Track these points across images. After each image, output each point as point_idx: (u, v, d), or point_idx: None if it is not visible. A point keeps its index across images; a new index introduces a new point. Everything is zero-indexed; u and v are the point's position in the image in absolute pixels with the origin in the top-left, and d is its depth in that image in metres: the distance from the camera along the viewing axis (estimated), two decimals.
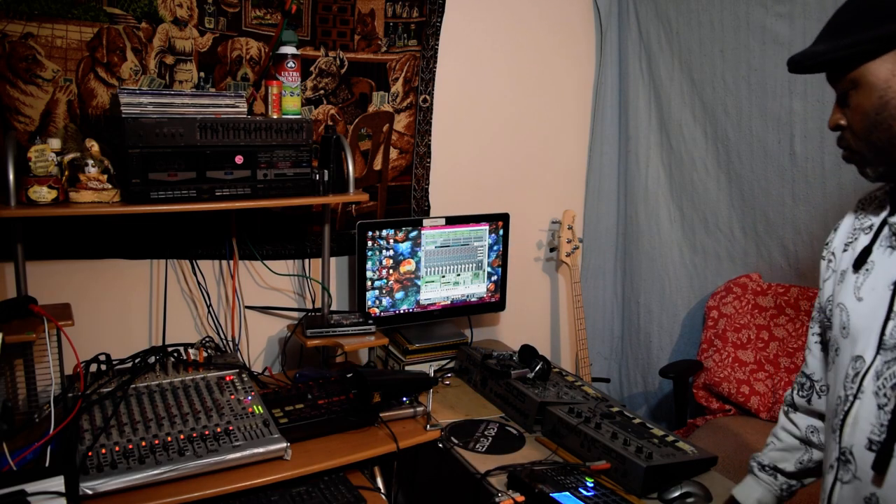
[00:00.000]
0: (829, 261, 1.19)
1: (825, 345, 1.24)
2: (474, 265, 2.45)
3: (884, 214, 1.09)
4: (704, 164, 2.51)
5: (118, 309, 2.03)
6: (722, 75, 2.38)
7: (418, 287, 2.35)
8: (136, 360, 1.85)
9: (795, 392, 1.33)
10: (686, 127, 2.55)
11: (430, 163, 2.48)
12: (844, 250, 1.15)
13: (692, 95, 2.50)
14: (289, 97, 1.96)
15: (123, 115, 1.64)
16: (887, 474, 0.94)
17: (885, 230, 1.07)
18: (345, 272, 2.41)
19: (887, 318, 1.00)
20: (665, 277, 2.72)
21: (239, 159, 1.78)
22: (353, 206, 2.34)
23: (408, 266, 2.32)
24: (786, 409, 1.37)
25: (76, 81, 1.84)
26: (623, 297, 2.94)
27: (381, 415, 1.85)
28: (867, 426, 1.00)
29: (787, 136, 2.24)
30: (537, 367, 2.08)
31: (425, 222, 2.32)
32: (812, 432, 1.30)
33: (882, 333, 1.00)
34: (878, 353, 1.01)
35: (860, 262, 1.08)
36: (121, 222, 1.97)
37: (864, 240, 1.11)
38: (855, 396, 1.03)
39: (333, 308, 2.35)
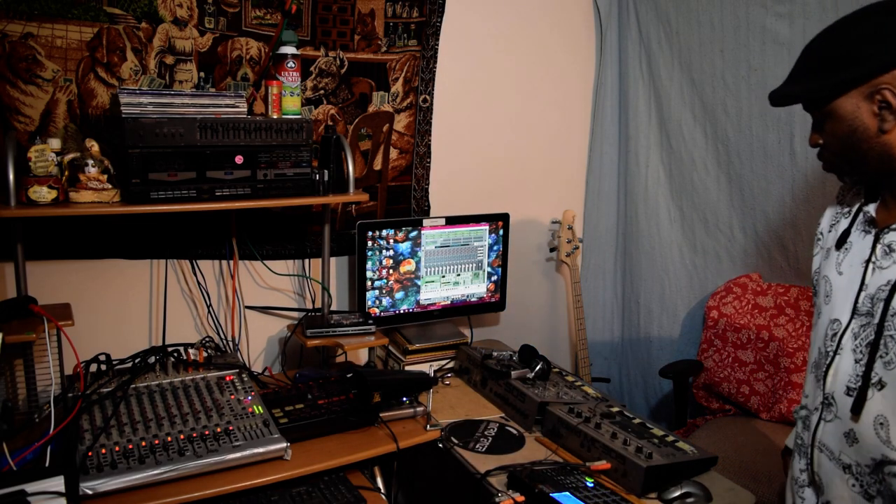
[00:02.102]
0: (818, 239, 1.41)
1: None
2: (474, 265, 2.45)
3: (860, 202, 1.30)
4: (704, 164, 2.51)
5: (118, 309, 2.03)
6: (722, 75, 2.38)
7: (418, 287, 2.35)
8: (136, 360, 1.85)
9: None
10: (686, 127, 2.55)
11: (430, 163, 2.48)
12: (829, 230, 1.38)
13: (692, 95, 2.50)
14: (289, 97, 1.96)
15: (123, 115, 1.64)
16: (862, 414, 1.17)
17: (861, 216, 1.29)
18: (345, 272, 2.41)
19: (860, 290, 1.22)
20: (665, 277, 2.72)
21: (239, 159, 1.78)
22: (353, 206, 2.34)
23: (408, 266, 2.32)
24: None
25: (76, 81, 1.84)
26: (623, 297, 2.94)
27: (381, 415, 1.85)
28: (845, 376, 1.22)
29: (787, 136, 2.24)
30: (537, 367, 2.08)
31: (425, 222, 2.32)
32: None
33: (856, 302, 1.22)
34: (852, 317, 1.23)
35: (841, 242, 1.31)
36: (121, 222, 1.97)
37: (844, 223, 1.33)
38: (835, 352, 1.25)
39: (333, 308, 2.35)
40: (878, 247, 1.22)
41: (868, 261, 1.22)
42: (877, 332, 1.16)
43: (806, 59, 1.23)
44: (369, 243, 2.21)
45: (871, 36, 1.14)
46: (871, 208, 1.26)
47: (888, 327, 1.15)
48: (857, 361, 1.20)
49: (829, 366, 1.25)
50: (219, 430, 1.63)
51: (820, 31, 1.24)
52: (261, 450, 1.60)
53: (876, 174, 1.22)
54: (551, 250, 2.80)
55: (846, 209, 1.35)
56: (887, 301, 1.15)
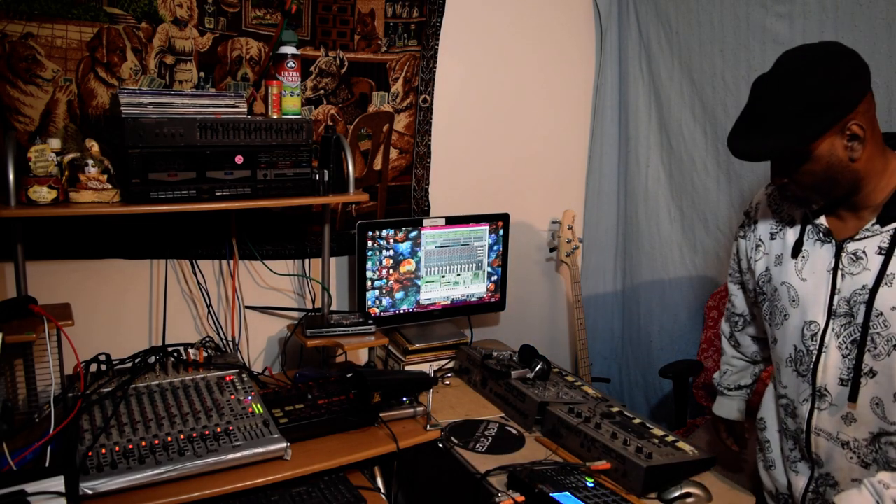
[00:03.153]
0: (758, 245, 1.56)
1: (744, 290, 1.72)
2: (474, 265, 2.45)
3: (801, 212, 1.47)
4: (704, 164, 2.51)
5: (118, 309, 2.03)
6: (722, 75, 2.38)
7: (418, 287, 2.35)
8: (136, 360, 1.85)
9: (734, 329, 1.79)
10: (686, 127, 2.55)
11: (430, 163, 2.48)
12: (772, 238, 1.53)
13: (692, 95, 2.50)
14: (289, 97, 1.96)
15: (123, 115, 1.64)
16: (858, 399, 1.36)
17: (812, 228, 1.44)
18: (345, 272, 2.41)
19: (832, 294, 1.39)
20: (665, 277, 2.72)
21: (239, 159, 1.78)
22: (353, 206, 2.34)
23: (408, 266, 2.32)
24: (731, 343, 1.81)
25: (76, 81, 1.84)
26: (623, 297, 2.93)
27: (381, 415, 1.85)
28: (836, 370, 1.40)
29: None
30: (537, 367, 2.08)
31: (425, 222, 2.32)
32: (755, 353, 1.78)
33: (830, 305, 1.40)
34: (829, 318, 1.40)
35: (796, 251, 1.46)
36: (121, 222, 1.97)
37: (791, 233, 1.49)
38: (820, 350, 1.42)
39: (333, 308, 2.35)
40: (844, 256, 1.38)
41: (835, 268, 1.39)
42: (862, 331, 1.34)
43: (768, 113, 1.33)
44: (369, 243, 2.21)
45: (834, 80, 1.27)
46: (823, 220, 1.42)
47: (873, 326, 1.33)
48: (844, 356, 1.39)
49: (816, 363, 1.43)
50: (219, 430, 1.63)
51: (767, 87, 1.35)
52: (261, 450, 1.60)
53: (843, 196, 1.36)
54: (551, 250, 2.80)
55: (787, 218, 1.51)
56: (869, 304, 1.33)
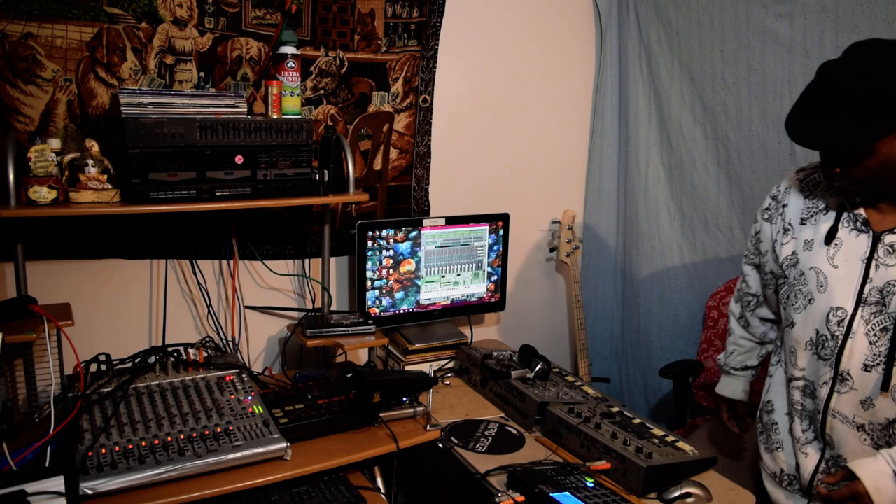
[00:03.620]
0: (787, 229, 1.58)
1: (759, 272, 1.74)
2: (474, 265, 2.45)
3: (836, 200, 1.50)
4: (704, 164, 2.51)
5: (118, 309, 2.03)
6: (722, 75, 2.38)
7: (418, 287, 2.35)
8: (136, 360, 1.85)
9: (746, 308, 1.82)
10: (686, 127, 2.55)
11: (430, 163, 2.48)
12: (802, 223, 1.56)
13: (692, 95, 2.50)
14: (289, 97, 1.95)
15: (123, 115, 1.64)
16: (890, 388, 1.40)
17: (849, 216, 1.47)
18: (345, 272, 2.41)
19: (864, 282, 1.43)
20: (665, 277, 2.72)
21: (239, 159, 1.78)
22: (353, 206, 2.34)
23: (408, 266, 2.32)
24: (741, 323, 1.84)
25: (76, 81, 1.84)
26: (623, 297, 2.93)
27: (381, 415, 1.85)
28: (861, 356, 1.43)
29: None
30: (537, 367, 2.08)
31: (425, 222, 2.32)
32: (763, 335, 1.82)
33: (861, 292, 1.43)
34: (857, 305, 1.43)
35: (830, 238, 1.49)
36: (121, 222, 1.97)
37: (824, 219, 1.52)
38: (846, 336, 1.45)
39: (333, 308, 2.35)
40: (880, 247, 1.42)
41: (870, 258, 1.42)
42: (895, 321, 1.38)
43: (836, 103, 1.32)
44: (369, 243, 2.21)
45: None
46: (862, 211, 1.45)
47: None
48: (871, 343, 1.42)
49: (842, 348, 1.45)
50: (219, 430, 1.63)
51: (837, 76, 1.33)
52: (261, 450, 1.60)
53: (888, 193, 1.40)
54: (551, 250, 2.80)
55: (820, 205, 1.54)
56: None
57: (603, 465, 1.66)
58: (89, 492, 1.40)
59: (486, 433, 1.89)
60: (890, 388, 1.41)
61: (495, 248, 2.47)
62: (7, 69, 1.76)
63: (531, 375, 2.08)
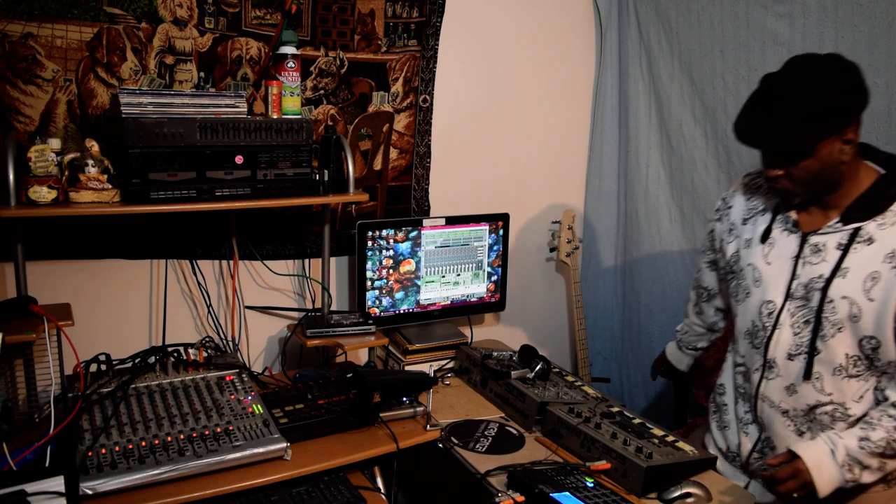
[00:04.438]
0: (731, 229, 1.74)
1: (714, 267, 1.90)
2: (474, 265, 2.45)
3: (773, 203, 1.65)
4: (705, 164, 2.51)
5: (118, 309, 2.03)
6: (722, 75, 2.38)
7: (418, 287, 2.35)
8: (136, 360, 1.85)
9: (700, 299, 2.00)
10: (686, 127, 2.55)
11: (430, 163, 2.48)
12: (744, 223, 1.71)
13: (692, 95, 2.50)
14: (289, 97, 1.95)
15: (123, 115, 1.64)
16: (810, 376, 1.56)
17: (781, 218, 1.62)
18: (345, 272, 2.41)
19: (792, 278, 1.58)
20: (665, 277, 2.71)
21: (239, 159, 1.78)
22: (353, 206, 2.34)
23: (408, 266, 2.32)
24: (695, 311, 2.04)
25: (76, 81, 1.84)
26: (623, 297, 2.93)
27: (381, 415, 1.85)
28: (786, 346, 1.60)
29: None
30: (537, 367, 2.08)
31: (425, 222, 2.32)
32: (714, 324, 2.00)
33: (789, 288, 1.59)
34: (786, 299, 1.59)
35: (765, 237, 1.64)
36: (121, 222, 1.97)
37: (762, 220, 1.67)
38: (774, 326, 1.61)
39: (333, 308, 2.35)
40: (806, 246, 1.57)
41: (797, 256, 1.58)
42: (816, 316, 1.53)
43: (782, 108, 1.46)
44: (369, 243, 2.21)
45: (846, 90, 1.43)
46: (793, 213, 1.59)
47: (824, 311, 1.52)
48: (795, 334, 1.58)
49: (770, 337, 1.62)
50: (219, 430, 1.63)
51: (781, 84, 1.48)
52: (261, 450, 1.60)
53: (822, 194, 1.52)
54: (551, 250, 2.80)
55: (759, 206, 1.69)
56: (823, 291, 1.52)
57: (603, 465, 1.66)
58: (89, 492, 1.40)
59: (486, 433, 1.89)
60: (811, 376, 1.56)
61: (495, 248, 2.47)
62: (7, 69, 1.76)
63: (531, 375, 2.08)
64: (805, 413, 1.59)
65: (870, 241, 1.49)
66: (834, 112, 1.42)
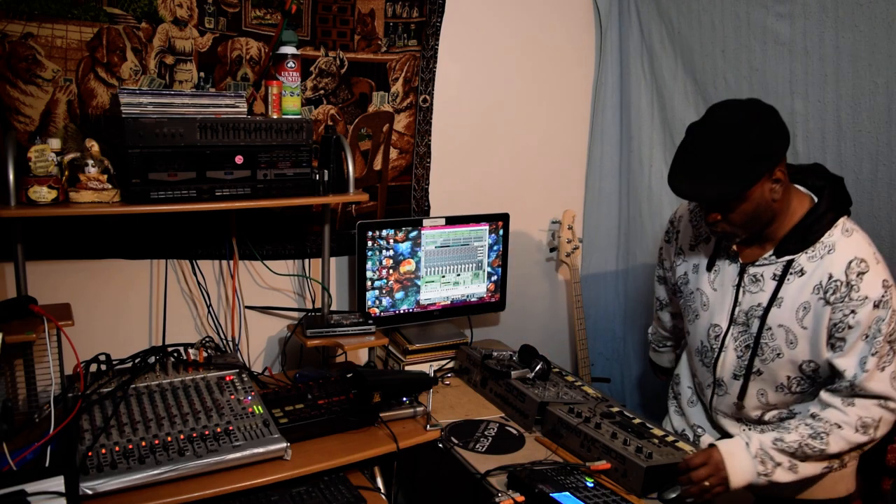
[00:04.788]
0: (679, 252, 1.86)
1: (665, 283, 2.03)
2: (474, 265, 2.45)
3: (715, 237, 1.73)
4: None
5: (118, 309, 2.03)
6: (723, 75, 2.38)
7: (418, 287, 2.35)
8: (136, 360, 1.85)
9: (656, 308, 2.14)
10: None
11: (430, 163, 2.48)
12: (692, 249, 1.83)
13: (695, 95, 2.50)
14: (289, 97, 1.95)
15: (123, 115, 1.64)
16: (747, 394, 1.72)
17: (723, 246, 1.72)
18: (345, 272, 2.41)
19: (735, 305, 1.70)
20: None
21: (239, 159, 1.78)
22: (353, 206, 2.34)
23: (408, 266, 2.32)
24: (655, 317, 2.17)
25: (76, 81, 1.84)
26: (624, 296, 2.93)
27: (381, 415, 1.85)
28: (731, 367, 1.74)
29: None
30: (537, 367, 2.08)
31: (425, 222, 2.31)
32: (674, 327, 2.12)
33: (732, 313, 1.71)
34: (730, 324, 1.72)
35: (710, 265, 1.76)
36: (121, 222, 1.97)
37: (705, 249, 1.78)
38: (720, 349, 1.75)
39: (333, 308, 2.35)
40: (746, 276, 1.68)
41: (738, 285, 1.69)
42: (755, 340, 1.66)
43: (712, 162, 1.53)
44: (369, 243, 2.21)
45: (770, 134, 1.51)
46: (734, 245, 1.69)
47: (763, 337, 1.64)
48: (738, 357, 1.71)
49: (717, 359, 1.76)
50: (219, 430, 1.63)
51: (707, 137, 1.55)
52: (261, 450, 1.60)
53: (760, 231, 1.61)
54: (551, 250, 2.80)
55: (703, 236, 1.79)
56: (762, 318, 1.64)
57: (603, 465, 1.66)
58: (89, 492, 1.40)
59: (486, 433, 1.89)
60: (747, 393, 1.70)
61: (495, 248, 2.47)
62: (7, 69, 1.76)
63: (531, 375, 2.08)
64: (757, 420, 1.75)
65: (801, 272, 1.59)
66: (763, 157, 1.49)
